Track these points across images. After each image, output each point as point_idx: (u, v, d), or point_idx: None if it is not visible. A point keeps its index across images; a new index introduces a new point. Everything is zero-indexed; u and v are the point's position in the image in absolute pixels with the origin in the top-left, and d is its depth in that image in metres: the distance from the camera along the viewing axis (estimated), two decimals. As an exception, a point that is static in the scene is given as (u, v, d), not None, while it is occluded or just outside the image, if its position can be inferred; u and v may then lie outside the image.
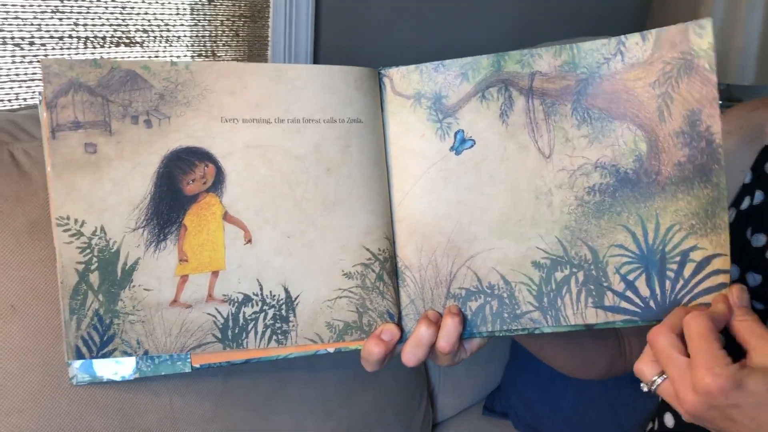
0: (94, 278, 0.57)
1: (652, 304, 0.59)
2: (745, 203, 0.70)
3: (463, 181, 0.62)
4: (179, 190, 0.58)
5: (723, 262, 0.58)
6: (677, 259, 0.59)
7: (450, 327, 0.60)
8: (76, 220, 0.57)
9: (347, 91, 0.61)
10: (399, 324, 0.63)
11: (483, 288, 0.62)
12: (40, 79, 1.02)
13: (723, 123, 0.73)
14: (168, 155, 0.58)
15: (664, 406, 0.77)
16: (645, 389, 0.57)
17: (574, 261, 0.61)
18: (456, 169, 0.62)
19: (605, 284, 0.60)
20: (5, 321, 0.64)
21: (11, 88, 0.99)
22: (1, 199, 0.66)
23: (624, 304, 0.60)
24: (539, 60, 0.60)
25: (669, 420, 0.76)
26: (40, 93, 0.58)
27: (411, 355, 0.61)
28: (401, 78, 0.63)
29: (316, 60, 1.27)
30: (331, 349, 0.62)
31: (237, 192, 0.59)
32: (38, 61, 0.99)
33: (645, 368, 0.56)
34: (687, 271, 0.59)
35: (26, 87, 1.01)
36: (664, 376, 0.55)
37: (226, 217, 0.59)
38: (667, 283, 0.59)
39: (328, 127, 0.61)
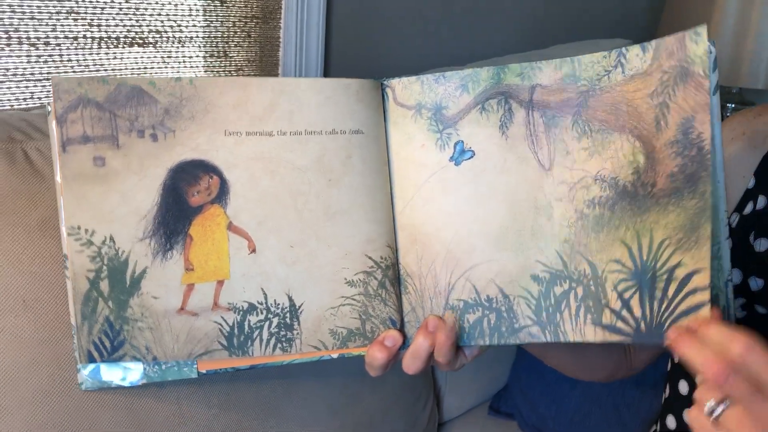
0: (104, 286, 0.59)
1: (642, 326, 0.57)
2: (748, 208, 0.71)
3: (463, 191, 0.62)
4: (185, 201, 0.60)
5: (702, 279, 0.54)
6: (665, 277, 0.56)
7: (441, 342, 0.60)
8: (86, 230, 0.58)
9: (349, 102, 0.62)
10: (401, 330, 0.64)
11: (481, 301, 0.62)
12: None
13: (726, 129, 0.74)
14: (173, 168, 0.59)
15: (667, 409, 0.78)
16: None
17: (574, 275, 0.59)
18: (455, 180, 0.62)
19: (603, 301, 0.58)
20: (16, 315, 0.65)
21: (26, 87, 1.00)
22: (15, 196, 0.67)
23: (620, 324, 0.57)
24: (540, 73, 0.60)
25: (671, 422, 0.77)
26: (49, 104, 0.59)
27: (410, 364, 0.62)
28: (403, 89, 0.63)
29: (327, 61, 1.28)
30: (334, 356, 0.63)
31: (241, 203, 0.60)
32: (53, 61, 1.01)
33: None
34: (671, 291, 0.55)
35: (41, 86, 1.02)
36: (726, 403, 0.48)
37: (231, 227, 0.60)
38: (655, 304, 0.56)
39: (330, 138, 0.62)
